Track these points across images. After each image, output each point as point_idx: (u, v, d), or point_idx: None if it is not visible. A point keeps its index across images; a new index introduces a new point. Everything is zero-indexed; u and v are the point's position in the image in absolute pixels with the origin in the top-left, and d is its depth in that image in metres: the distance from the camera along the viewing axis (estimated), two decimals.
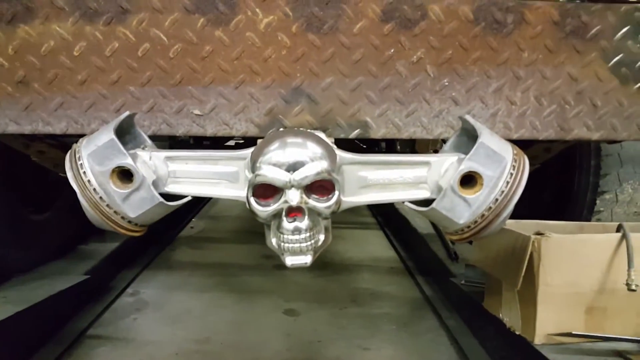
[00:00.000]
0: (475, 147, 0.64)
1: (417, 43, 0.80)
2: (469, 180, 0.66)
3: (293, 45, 0.79)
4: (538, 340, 1.31)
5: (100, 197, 0.64)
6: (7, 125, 0.79)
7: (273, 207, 0.62)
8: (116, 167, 0.65)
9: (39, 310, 1.41)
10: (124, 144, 0.66)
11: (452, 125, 0.84)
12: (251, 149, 0.69)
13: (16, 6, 0.74)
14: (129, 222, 0.67)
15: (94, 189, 0.64)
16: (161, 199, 0.66)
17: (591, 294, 1.32)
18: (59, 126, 0.79)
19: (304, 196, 0.62)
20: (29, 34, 0.75)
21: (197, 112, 0.80)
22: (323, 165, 0.62)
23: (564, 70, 0.83)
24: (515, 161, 0.65)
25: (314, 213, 0.64)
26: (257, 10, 0.77)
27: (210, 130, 0.81)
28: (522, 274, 1.29)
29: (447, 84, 0.82)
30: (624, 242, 1.27)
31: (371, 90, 0.81)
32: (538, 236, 1.28)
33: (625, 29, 0.82)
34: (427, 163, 0.69)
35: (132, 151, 0.68)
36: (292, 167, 0.62)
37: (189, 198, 0.70)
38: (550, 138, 0.86)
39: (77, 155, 0.65)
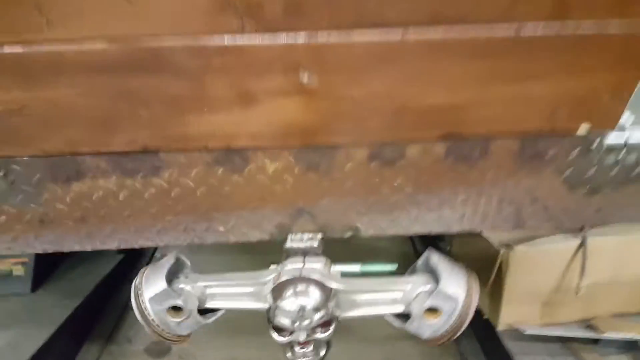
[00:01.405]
0: (436, 291, 0.99)
1: (397, 174, 1.08)
2: (432, 308, 1.03)
3: (296, 182, 1.07)
4: (500, 327, 1.81)
5: (162, 328, 1.03)
6: (73, 246, 1.13)
7: (287, 339, 1.01)
8: (171, 305, 1.02)
9: (91, 297, 1.90)
10: (172, 272, 1.02)
11: (425, 225, 1.17)
12: (271, 275, 1.04)
13: (69, 171, 1.02)
14: (180, 336, 1.07)
15: (157, 324, 1.02)
16: (204, 321, 1.05)
17: (548, 292, 1.76)
18: (113, 244, 1.13)
19: (309, 333, 1.00)
20: (81, 188, 1.04)
21: (221, 229, 1.13)
22: (323, 312, 0.99)
23: (523, 184, 1.12)
24: (467, 297, 1.01)
25: (318, 340, 1.03)
26: (266, 160, 1.04)
27: (232, 239, 1.15)
28: (492, 280, 1.72)
29: (422, 199, 1.12)
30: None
31: (360, 206, 1.12)
32: (506, 249, 1.68)
33: (576, 150, 1.09)
34: (402, 290, 1.05)
35: (179, 286, 1.05)
36: (300, 315, 0.98)
37: (223, 311, 1.09)
38: (507, 229, 1.19)
39: (140, 299, 1.01)
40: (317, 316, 0.96)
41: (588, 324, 1.86)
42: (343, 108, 0.94)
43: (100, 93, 0.87)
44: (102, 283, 1.93)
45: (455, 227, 1.17)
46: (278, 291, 0.98)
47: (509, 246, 1.66)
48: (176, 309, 1.01)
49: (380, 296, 1.03)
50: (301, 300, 0.96)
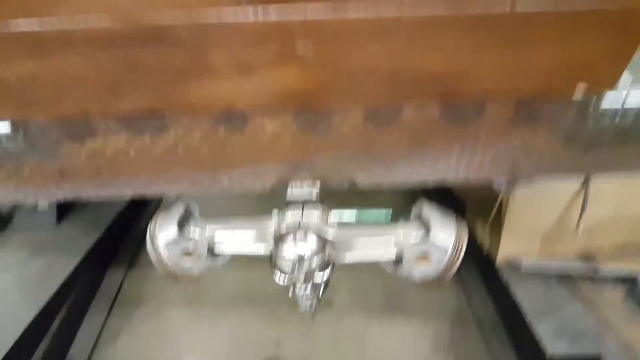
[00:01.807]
0: (426, 240, 1.13)
1: (392, 133, 1.17)
2: (423, 255, 1.17)
3: (294, 140, 1.18)
4: (499, 260, 1.97)
5: (176, 271, 1.20)
6: (90, 194, 1.28)
7: (288, 280, 1.17)
8: (183, 251, 1.18)
9: (113, 225, 2.11)
10: (182, 220, 1.18)
11: (420, 176, 1.28)
12: (272, 222, 1.19)
13: (82, 131, 1.14)
14: (193, 276, 1.25)
15: (171, 267, 1.19)
16: (214, 265, 1.22)
17: (548, 228, 1.89)
18: (127, 193, 1.28)
19: (308, 276, 1.16)
20: (94, 145, 1.17)
21: (225, 181, 1.26)
22: (320, 258, 1.13)
23: (517, 142, 1.20)
24: (456, 245, 1.15)
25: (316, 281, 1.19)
26: (265, 121, 1.14)
27: (235, 189, 1.28)
28: (492, 217, 1.85)
29: (417, 155, 1.22)
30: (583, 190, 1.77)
31: (357, 161, 1.23)
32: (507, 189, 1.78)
33: (572, 112, 1.15)
34: (395, 238, 1.19)
35: (190, 233, 1.20)
36: (300, 259, 1.13)
37: (230, 256, 1.25)
38: (502, 179, 1.30)
39: (155, 245, 1.17)
40: (315, 262, 1.10)
41: (587, 257, 2.00)
42: (338, 76, 1.01)
43: (106, 63, 0.96)
44: (122, 212, 2.12)
45: (450, 179, 1.27)
46: (279, 239, 1.13)
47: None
48: (188, 253, 1.17)
49: (374, 243, 1.17)
50: (300, 248, 1.10)
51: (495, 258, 1.99)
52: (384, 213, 1.28)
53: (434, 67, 1.01)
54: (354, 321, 2.03)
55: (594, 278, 1.91)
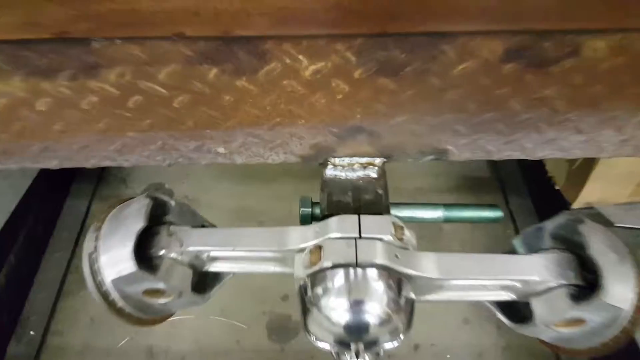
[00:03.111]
0: (592, 302, 0.60)
1: (550, 81, 0.60)
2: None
3: (353, 90, 0.60)
4: (576, 205, 1.47)
5: (137, 316, 0.68)
6: None
7: (333, 350, 0.65)
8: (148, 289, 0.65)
9: None
10: (146, 229, 0.65)
11: (563, 149, 0.72)
12: (305, 243, 0.64)
13: None
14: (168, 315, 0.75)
15: (128, 311, 0.67)
16: (203, 300, 0.70)
17: None
18: (51, 163, 0.73)
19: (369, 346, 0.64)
20: None
21: (221, 150, 0.70)
22: (394, 324, 0.61)
23: None
24: (635, 307, 0.62)
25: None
26: (300, 57, 0.55)
27: (239, 160, 0.73)
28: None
29: (574, 117, 0.66)
30: None
31: (462, 125, 0.67)
32: None
33: None
34: (523, 279, 0.65)
35: (159, 252, 0.67)
36: (357, 329, 0.61)
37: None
38: None
39: (99, 280, 0.64)
40: (384, 331, 0.59)
41: None
42: None
43: None
44: None
45: (605, 153, 0.74)
46: (316, 279, 0.60)
47: None
48: (157, 291, 0.64)
49: (484, 282, 0.65)
50: (358, 309, 0.58)
51: (570, 201, 1.49)
52: (488, 213, 0.73)
53: None
54: None
55: None
